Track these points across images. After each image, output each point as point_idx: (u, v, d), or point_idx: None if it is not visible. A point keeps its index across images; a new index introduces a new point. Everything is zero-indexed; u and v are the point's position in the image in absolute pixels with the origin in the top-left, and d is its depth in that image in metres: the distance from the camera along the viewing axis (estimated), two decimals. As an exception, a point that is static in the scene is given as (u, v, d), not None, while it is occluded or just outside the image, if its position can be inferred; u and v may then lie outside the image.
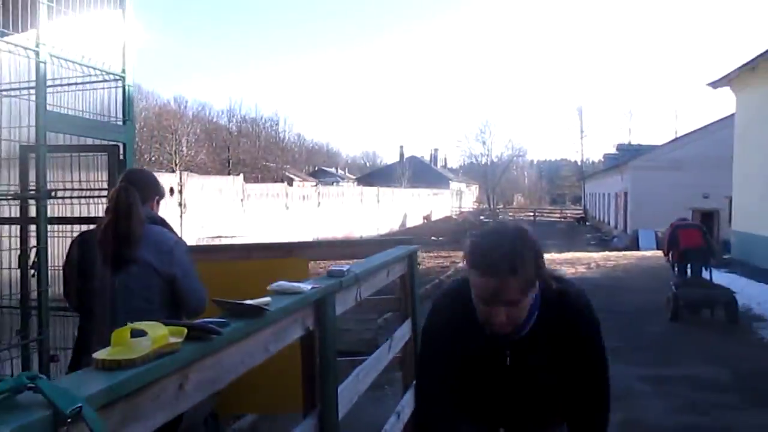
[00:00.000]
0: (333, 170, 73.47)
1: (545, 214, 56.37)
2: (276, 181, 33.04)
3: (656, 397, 5.54)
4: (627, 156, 32.01)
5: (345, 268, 2.38)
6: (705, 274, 9.47)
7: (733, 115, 16.39)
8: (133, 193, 2.73)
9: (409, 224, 39.01)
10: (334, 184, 48.04)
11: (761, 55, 12.60)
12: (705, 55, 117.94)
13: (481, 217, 49.97)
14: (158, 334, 1.18)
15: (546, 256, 1.82)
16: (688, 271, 9.53)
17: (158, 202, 2.96)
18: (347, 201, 29.94)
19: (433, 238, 29.43)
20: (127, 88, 3.96)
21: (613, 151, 41.93)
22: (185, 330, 1.27)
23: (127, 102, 3.98)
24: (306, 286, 1.98)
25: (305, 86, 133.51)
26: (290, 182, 34.54)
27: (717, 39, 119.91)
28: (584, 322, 1.80)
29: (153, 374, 1.14)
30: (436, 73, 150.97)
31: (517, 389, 1.83)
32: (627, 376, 5.80)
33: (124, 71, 3.94)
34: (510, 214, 55.34)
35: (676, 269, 9.59)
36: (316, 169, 72.41)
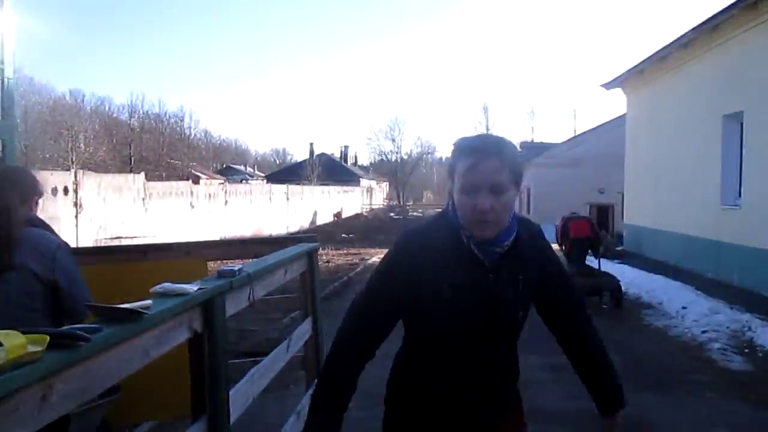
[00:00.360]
0: (242, 168, 72.24)
1: (454, 210, 57.41)
2: (181, 179, 31.96)
3: (554, 383, 5.80)
4: (530, 154, 33.15)
5: (236, 268, 2.33)
6: (594, 264, 10.06)
7: (625, 114, 17.31)
8: (10, 193, 2.57)
9: (320, 222, 38.81)
10: (243, 181, 47.17)
11: (647, 59, 13.39)
12: (601, 57, 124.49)
13: (391, 214, 50.53)
14: (14, 343, 1.11)
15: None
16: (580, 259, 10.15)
17: (37, 203, 2.80)
18: (256, 199, 29.38)
19: (343, 235, 29.48)
20: (6, 80, 3.72)
21: (518, 149, 43.47)
22: (47, 338, 1.19)
23: (7, 95, 3.74)
24: (192, 288, 1.92)
25: (212, 81, 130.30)
26: (196, 180, 33.57)
27: (612, 41, 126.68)
28: (549, 245, 1.95)
29: (8, 386, 1.07)
30: (345, 70, 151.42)
31: (493, 319, 1.75)
32: (529, 366, 6.02)
33: (2, 62, 3.71)
34: (420, 210, 56.24)
35: (568, 259, 10.14)
36: (224, 166, 70.96)
